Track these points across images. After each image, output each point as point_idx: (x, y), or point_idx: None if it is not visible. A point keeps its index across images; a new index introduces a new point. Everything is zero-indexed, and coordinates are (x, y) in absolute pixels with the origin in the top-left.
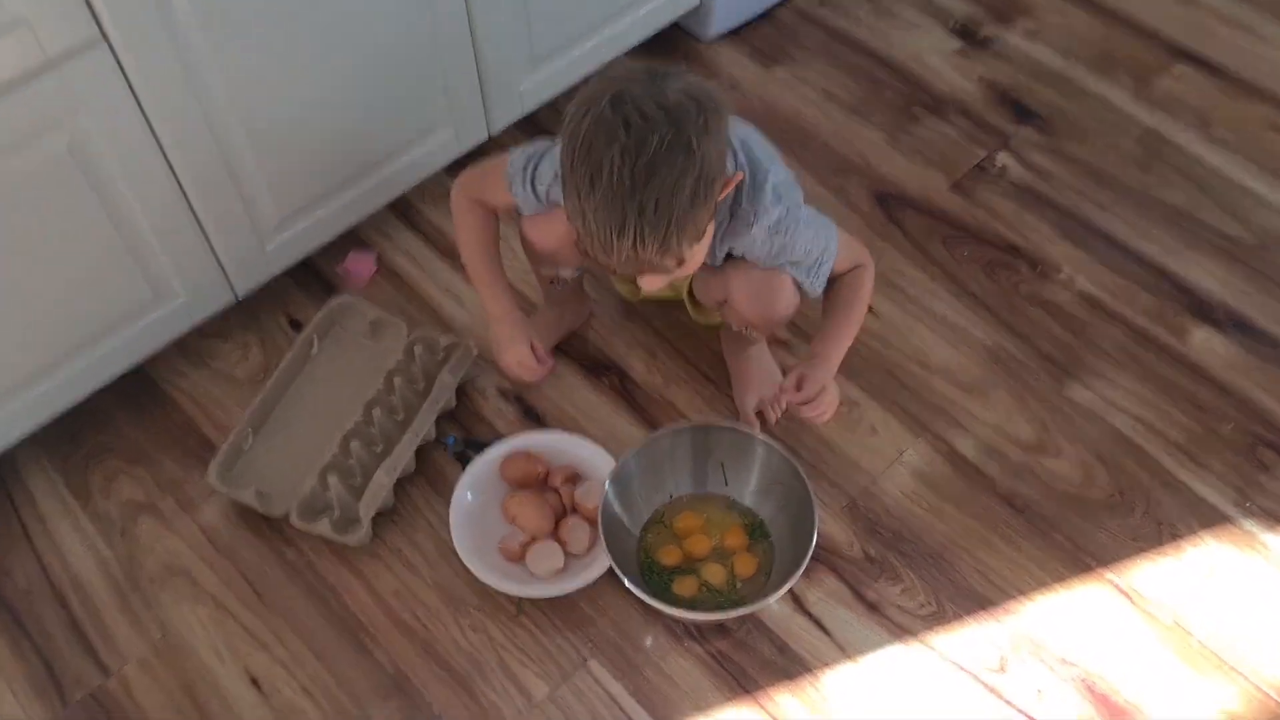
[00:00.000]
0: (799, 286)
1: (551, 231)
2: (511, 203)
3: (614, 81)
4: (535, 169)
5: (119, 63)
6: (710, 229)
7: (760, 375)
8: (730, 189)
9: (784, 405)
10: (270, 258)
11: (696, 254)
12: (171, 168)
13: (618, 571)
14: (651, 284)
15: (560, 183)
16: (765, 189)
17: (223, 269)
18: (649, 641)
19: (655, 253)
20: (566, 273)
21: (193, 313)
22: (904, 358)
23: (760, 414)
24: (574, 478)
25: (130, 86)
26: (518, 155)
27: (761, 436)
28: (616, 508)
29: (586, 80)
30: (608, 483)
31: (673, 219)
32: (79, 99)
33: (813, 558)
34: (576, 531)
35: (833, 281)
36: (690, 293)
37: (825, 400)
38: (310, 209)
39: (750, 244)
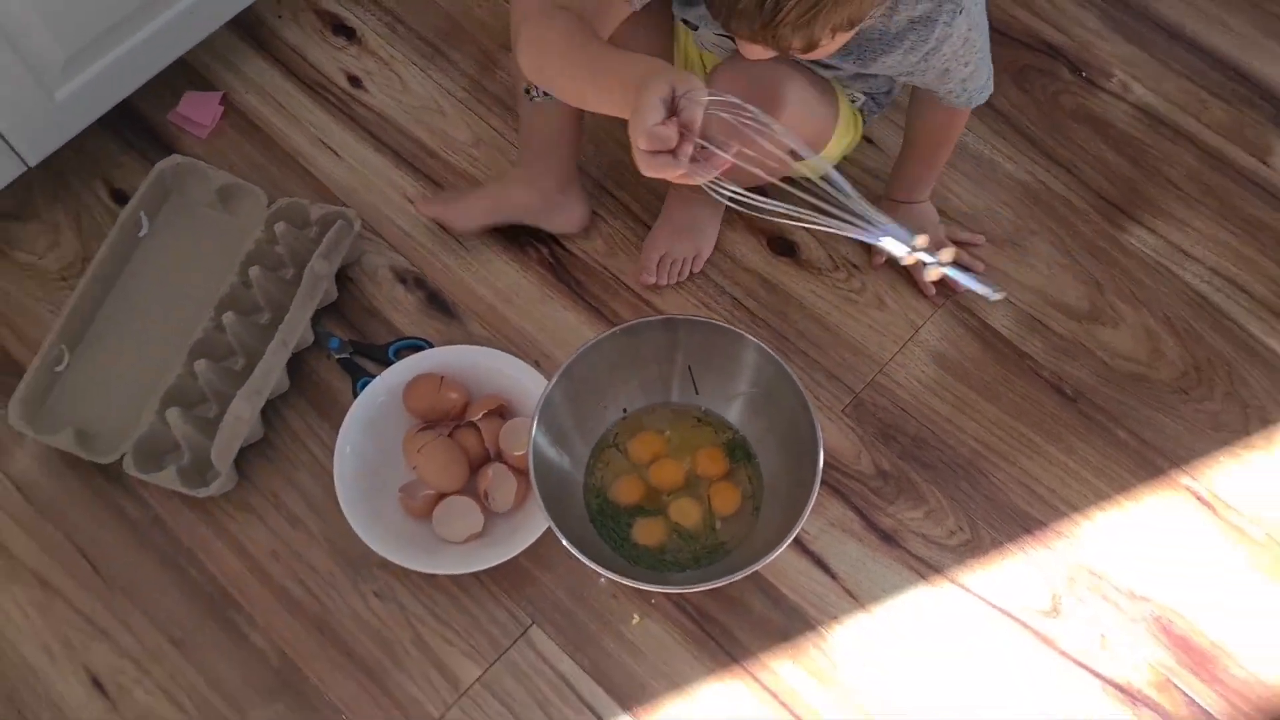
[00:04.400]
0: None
1: None
2: (611, 5)
3: None
4: None
5: None
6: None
7: (690, 226)
8: None
9: (684, 273)
10: (65, 109)
11: (831, 45)
12: None
13: (560, 537)
14: (755, 54)
15: None
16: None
17: None
18: (602, 581)
19: (794, 18)
20: None
21: None
22: None
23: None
24: (501, 410)
25: None
26: None
27: (745, 333)
28: (551, 452)
29: None
30: (535, 422)
31: None
32: None
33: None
34: (500, 484)
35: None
36: None
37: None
38: (112, 40)
39: (941, 46)
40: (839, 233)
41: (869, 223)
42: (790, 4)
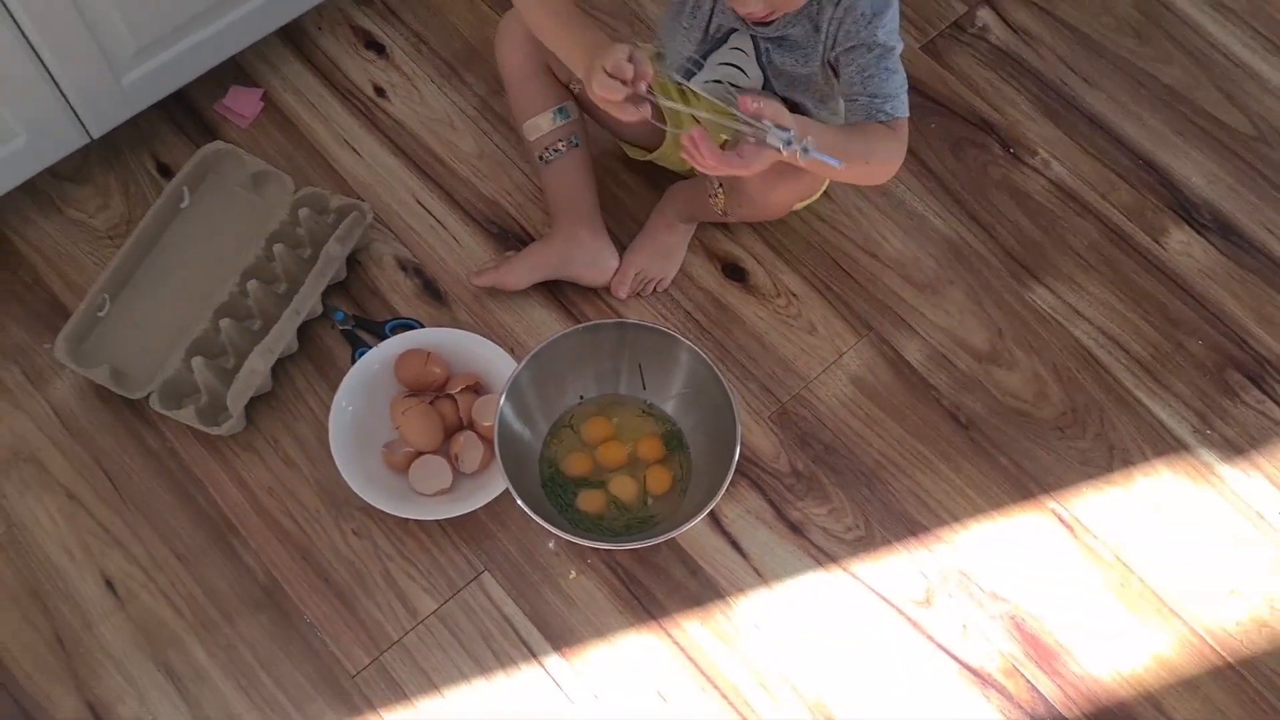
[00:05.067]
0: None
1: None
2: None
3: None
4: None
5: None
6: None
7: (667, 250)
8: None
9: (649, 290)
10: (129, 93)
11: None
12: None
13: (515, 497)
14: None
15: None
16: None
17: (70, 105)
18: (551, 545)
19: None
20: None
21: (38, 156)
22: (854, 246)
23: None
24: (476, 387)
25: None
26: None
27: (686, 340)
28: (515, 425)
29: None
30: (502, 398)
31: None
32: None
33: (736, 470)
34: (469, 449)
35: None
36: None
37: (758, 156)
38: (176, 37)
39: (853, 5)
40: (739, 131)
41: (757, 124)
42: None
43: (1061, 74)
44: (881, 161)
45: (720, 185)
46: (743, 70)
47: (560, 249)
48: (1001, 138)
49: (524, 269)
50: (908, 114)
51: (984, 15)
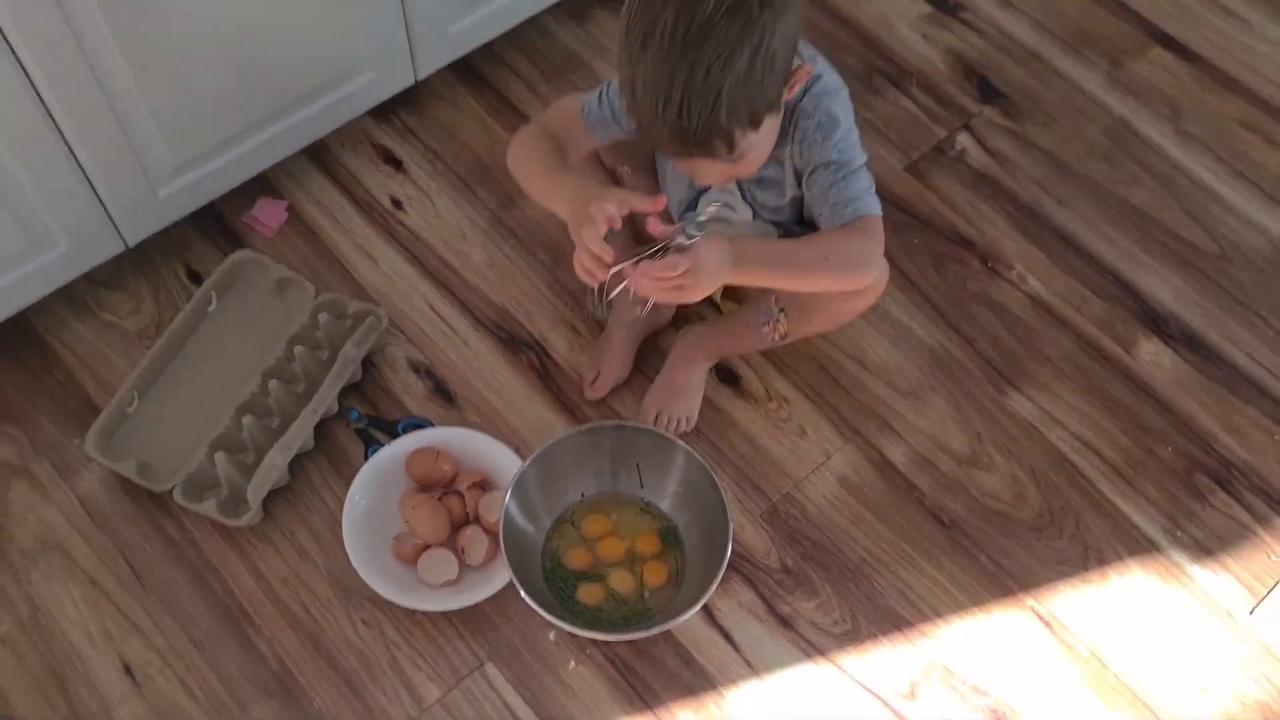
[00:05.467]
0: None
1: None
2: (580, 140)
3: None
4: (610, 86)
5: None
6: (774, 125)
7: (687, 388)
8: (799, 86)
9: (677, 430)
10: (164, 205)
11: (753, 148)
12: (42, 100)
13: (519, 589)
14: (705, 174)
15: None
16: (830, 99)
17: (109, 215)
18: (552, 636)
19: (701, 126)
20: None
21: (76, 262)
22: (841, 354)
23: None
24: (483, 483)
25: None
26: (590, 93)
27: (681, 442)
28: (519, 520)
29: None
30: (508, 495)
31: (723, 89)
32: None
33: (729, 565)
34: (475, 543)
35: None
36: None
37: (686, 276)
38: (211, 155)
39: (804, 136)
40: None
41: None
42: (693, 109)
43: (1036, 195)
44: (844, 262)
45: (782, 309)
46: (732, 208)
47: (630, 329)
48: (980, 253)
49: (618, 360)
50: (878, 212)
51: (963, 140)
